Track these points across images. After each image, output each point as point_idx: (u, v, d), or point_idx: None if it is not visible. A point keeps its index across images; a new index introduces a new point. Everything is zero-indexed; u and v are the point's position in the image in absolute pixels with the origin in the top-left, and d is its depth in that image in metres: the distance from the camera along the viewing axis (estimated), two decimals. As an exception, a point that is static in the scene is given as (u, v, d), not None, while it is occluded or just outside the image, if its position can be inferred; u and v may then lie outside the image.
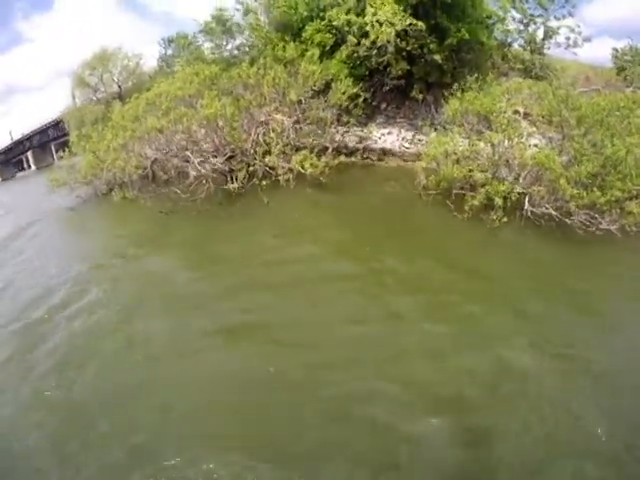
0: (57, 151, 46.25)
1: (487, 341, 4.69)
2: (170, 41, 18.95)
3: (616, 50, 18.52)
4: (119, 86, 23.54)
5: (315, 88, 10.86)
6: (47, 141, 44.91)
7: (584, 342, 4.71)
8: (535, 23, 17.44)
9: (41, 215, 13.80)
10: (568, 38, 17.06)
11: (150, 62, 23.70)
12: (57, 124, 36.95)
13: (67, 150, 16.35)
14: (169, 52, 19.40)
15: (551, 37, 17.38)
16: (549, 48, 17.50)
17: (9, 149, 50.56)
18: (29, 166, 48.99)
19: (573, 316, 5.24)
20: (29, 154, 47.49)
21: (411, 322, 5.12)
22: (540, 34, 17.50)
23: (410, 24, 11.32)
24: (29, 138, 46.46)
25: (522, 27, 17.62)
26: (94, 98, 23.59)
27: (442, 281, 6.17)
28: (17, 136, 48.32)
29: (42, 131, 44.39)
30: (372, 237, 7.75)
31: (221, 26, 13.46)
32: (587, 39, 17.19)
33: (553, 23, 17.01)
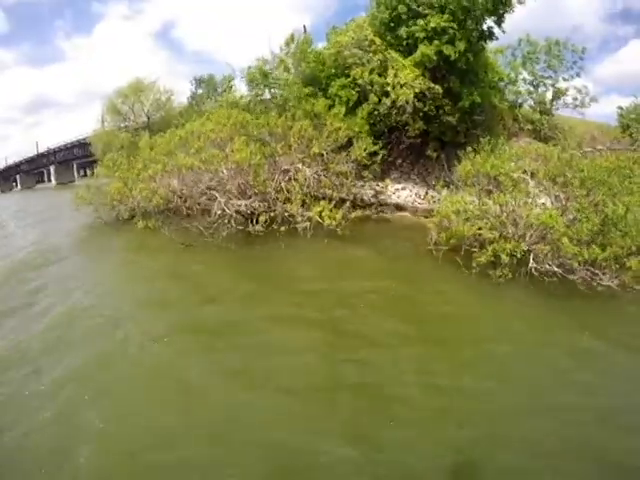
0: (79, 170, 48.17)
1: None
2: (201, 81, 20.19)
3: (621, 108, 18.77)
4: (148, 117, 24.70)
5: (338, 142, 11.64)
6: (71, 159, 46.61)
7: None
8: (544, 84, 18.44)
9: (66, 233, 14.33)
10: (576, 99, 17.99)
11: (178, 97, 25.15)
12: (83, 144, 38.40)
13: (93, 171, 17.13)
14: (199, 91, 20.59)
15: (559, 98, 18.33)
16: (558, 109, 18.41)
17: (33, 160, 52.43)
18: (49, 180, 50.61)
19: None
20: (52, 168, 49.14)
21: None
22: (549, 95, 18.45)
23: (428, 87, 12.26)
24: (54, 153, 48.19)
25: (532, 88, 18.63)
26: (122, 125, 24.78)
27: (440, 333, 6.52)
28: (42, 149, 50.47)
29: (67, 148, 46.02)
30: (387, 288, 8.16)
31: (262, 77, 14.46)
32: (594, 99, 18.11)
33: (562, 84, 17.91)
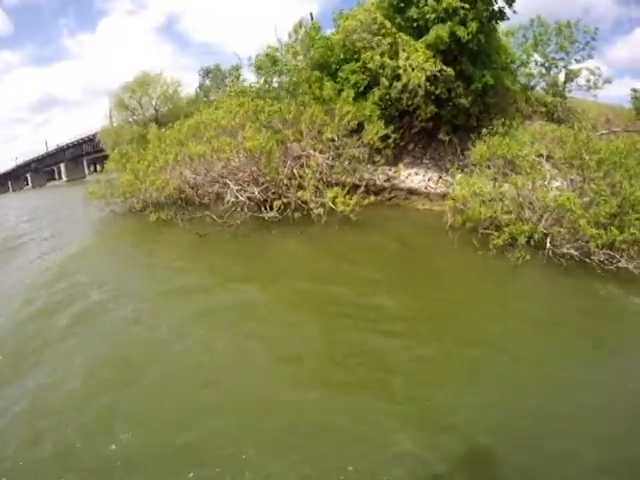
0: (89, 166, 48.66)
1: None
2: (208, 72, 20.16)
3: (635, 90, 18.62)
4: (156, 110, 24.76)
5: (349, 127, 11.53)
6: (80, 155, 47.11)
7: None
8: (557, 66, 18.05)
9: (82, 227, 14.46)
10: (589, 80, 17.61)
11: (185, 89, 25.16)
12: (91, 140, 38.74)
13: (103, 166, 17.18)
14: (206, 82, 20.56)
15: (572, 80, 17.93)
16: (570, 91, 18.03)
17: (43, 158, 53.15)
18: (60, 177, 51.32)
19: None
20: (62, 165, 49.79)
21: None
22: (562, 77, 18.07)
23: (440, 70, 12.05)
24: (63, 150, 48.74)
25: (544, 70, 18.26)
26: (131, 119, 24.88)
27: (460, 313, 6.48)
28: (52, 147, 51.01)
29: (76, 145, 46.50)
30: (405, 275, 8.09)
31: (271, 64, 14.36)
32: (607, 81, 17.65)
33: (574, 66, 17.55)
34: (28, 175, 57.38)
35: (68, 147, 48.17)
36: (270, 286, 7.46)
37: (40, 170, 55.90)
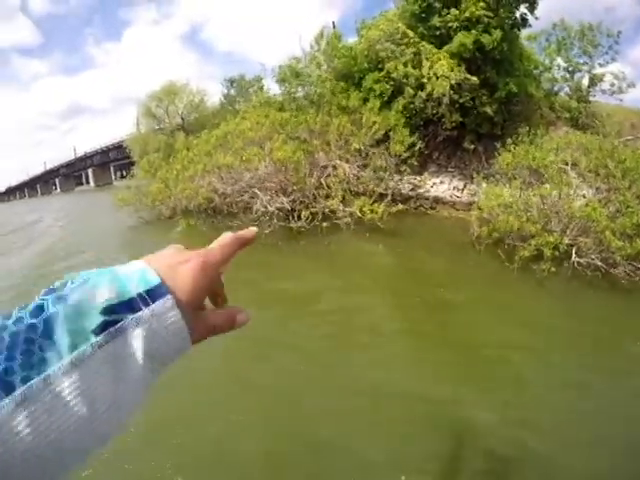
0: (116, 172, 50.23)
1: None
2: (232, 82, 20.62)
3: None
4: (182, 119, 25.32)
5: (375, 137, 11.75)
6: (108, 162, 48.68)
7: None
8: (580, 71, 17.90)
9: (112, 235, 15.03)
10: (613, 85, 17.43)
11: (210, 98, 25.72)
12: (119, 147, 39.84)
13: (130, 173, 17.71)
14: (231, 92, 21.03)
15: (596, 84, 17.76)
16: (594, 95, 17.85)
17: (71, 164, 55.14)
18: (88, 182, 53.09)
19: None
20: (89, 171, 51.51)
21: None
22: (585, 82, 17.90)
23: (464, 78, 12.17)
24: (91, 156, 50.47)
25: (568, 75, 18.12)
26: (157, 127, 25.56)
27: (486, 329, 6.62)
28: (79, 153, 52.88)
29: (104, 152, 48.05)
30: (430, 282, 8.26)
31: (294, 76, 14.73)
32: (632, 84, 17.47)
33: (598, 70, 17.41)
34: (57, 180, 59.59)
35: (96, 153, 49.79)
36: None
37: (69, 175, 57.98)
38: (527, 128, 11.81)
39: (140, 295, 0.34)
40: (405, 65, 12.80)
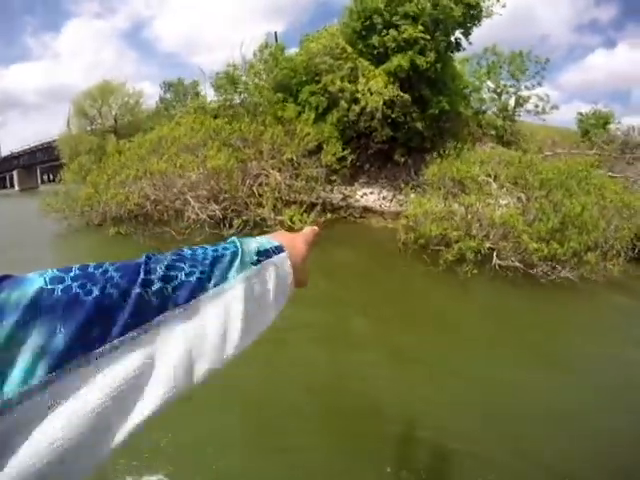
0: (42, 174, 46.50)
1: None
2: (170, 85, 20.02)
3: (581, 114, 20.22)
4: (115, 120, 24.17)
5: (308, 148, 11.92)
6: (34, 163, 44.95)
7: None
8: (507, 92, 19.46)
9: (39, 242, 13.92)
10: (537, 106, 19.10)
11: (146, 101, 24.76)
12: (47, 147, 37.18)
13: (57, 176, 16.54)
14: (168, 95, 20.42)
15: (522, 105, 19.38)
16: (520, 115, 19.45)
17: (-5, 165, 50.37)
18: (12, 185, 48.54)
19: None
20: (14, 173, 47.16)
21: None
22: (512, 102, 19.47)
23: (397, 95, 12.74)
24: (17, 157, 46.39)
25: (495, 96, 19.61)
26: (89, 128, 24.15)
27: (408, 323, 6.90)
28: (5, 152, 48.38)
29: (31, 152, 44.50)
30: (359, 288, 8.49)
31: (231, 84, 14.58)
32: (555, 107, 19.30)
33: (524, 92, 19.00)
34: (-22, 182, 54.12)
35: (23, 154, 45.97)
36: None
37: (-8, 177, 52.92)
38: (455, 143, 12.56)
39: (272, 248, 0.56)
40: (342, 79, 13.20)
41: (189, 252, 0.50)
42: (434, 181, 11.24)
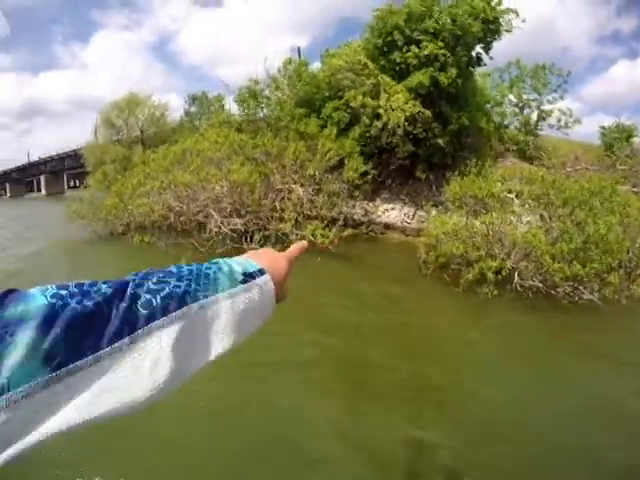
0: (69, 181, 48.03)
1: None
2: (194, 98, 20.50)
3: (603, 128, 19.65)
4: (141, 131, 24.76)
5: (330, 163, 12.07)
6: (62, 169, 46.48)
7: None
8: (530, 106, 19.25)
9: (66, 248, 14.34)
10: (560, 120, 18.83)
11: (172, 113, 25.35)
12: (74, 155, 38.31)
13: (83, 183, 17.00)
14: (192, 108, 20.89)
15: (544, 119, 19.13)
16: (542, 129, 19.19)
17: (24, 168, 52.15)
18: (39, 189, 50.30)
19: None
20: (42, 178, 48.87)
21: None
22: (534, 117, 19.24)
23: (419, 111, 12.79)
24: (45, 162, 48.01)
25: (517, 110, 19.43)
26: (115, 138, 24.86)
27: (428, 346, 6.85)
28: (33, 157, 50.18)
29: (59, 159, 45.92)
30: (377, 307, 8.48)
31: (253, 98, 14.90)
32: (577, 121, 19.01)
33: (546, 106, 18.77)
34: (7, 184, 56.10)
35: (51, 160, 47.54)
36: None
37: (20, 180, 54.80)
38: (476, 159, 12.49)
39: (255, 272, 0.59)
40: (364, 95, 13.30)
41: (176, 269, 0.54)
42: (455, 199, 11.19)
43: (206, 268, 0.55)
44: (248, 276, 0.58)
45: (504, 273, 8.70)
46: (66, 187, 47.37)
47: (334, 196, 11.96)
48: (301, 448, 4.09)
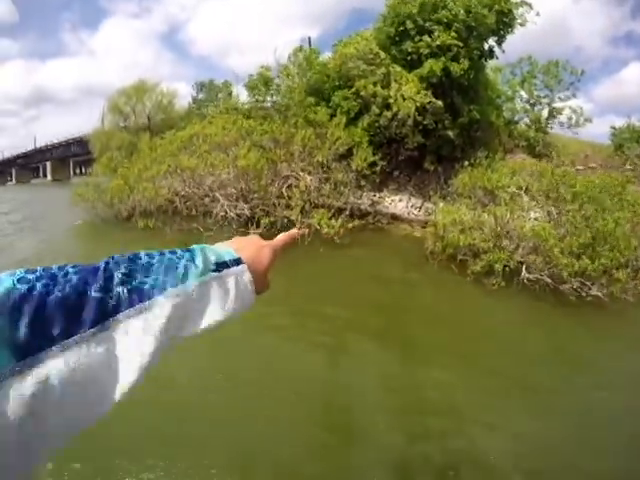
0: (75, 167, 48.14)
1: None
2: (202, 86, 20.43)
3: (614, 128, 19.36)
4: (149, 119, 24.73)
5: (339, 152, 11.94)
6: (68, 156, 46.60)
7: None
8: (541, 103, 19.01)
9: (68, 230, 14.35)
10: (570, 118, 18.59)
11: (179, 101, 25.27)
12: (80, 141, 38.37)
13: (89, 169, 17.03)
14: (200, 96, 20.83)
15: (555, 117, 18.89)
16: (552, 127, 18.96)
17: (30, 155, 52.34)
18: (45, 175, 50.49)
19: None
20: (48, 164, 49.04)
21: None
22: (545, 114, 19.01)
23: (430, 102, 12.63)
24: (51, 149, 48.15)
25: (528, 106, 19.20)
26: (122, 125, 24.82)
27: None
28: (40, 143, 50.30)
29: (66, 145, 46.02)
30: (388, 291, 8.43)
31: (263, 85, 14.77)
32: (588, 120, 18.74)
33: (558, 104, 18.52)
34: (13, 170, 56.33)
35: (57, 146, 47.68)
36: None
37: (26, 166, 55.01)
38: (486, 152, 12.35)
39: (230, 261, 0.57)
40: (374, 84, 13.13)
41: (147, 258, 0.52)
42: (464, 190, 11.07)
43: (177, 257, 0.54)
44: (222, 265, 0.56)
45: (512, 266, 8.64)
46: (72, 173, 47.49)
47: (341, 185, 11.82)
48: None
